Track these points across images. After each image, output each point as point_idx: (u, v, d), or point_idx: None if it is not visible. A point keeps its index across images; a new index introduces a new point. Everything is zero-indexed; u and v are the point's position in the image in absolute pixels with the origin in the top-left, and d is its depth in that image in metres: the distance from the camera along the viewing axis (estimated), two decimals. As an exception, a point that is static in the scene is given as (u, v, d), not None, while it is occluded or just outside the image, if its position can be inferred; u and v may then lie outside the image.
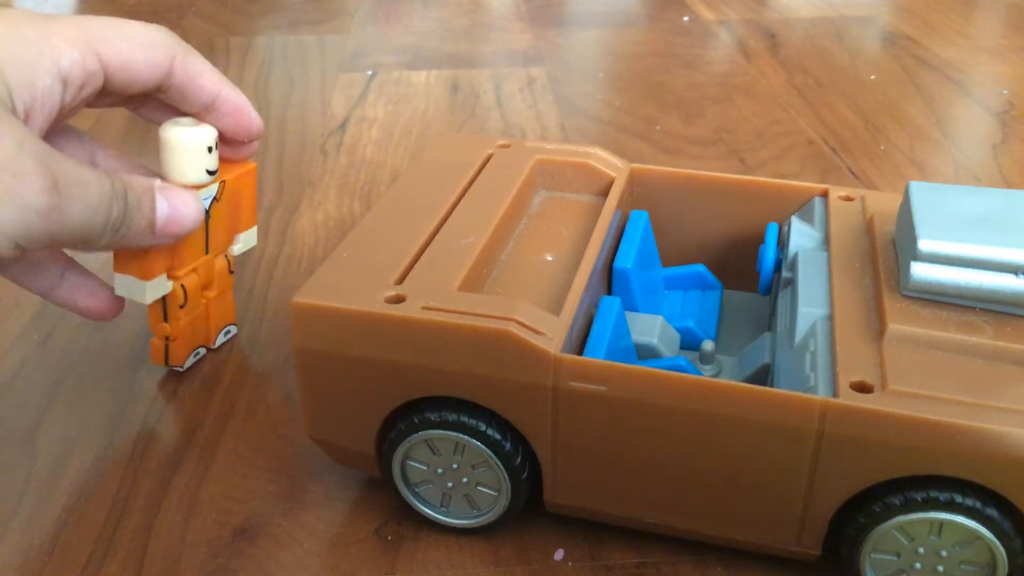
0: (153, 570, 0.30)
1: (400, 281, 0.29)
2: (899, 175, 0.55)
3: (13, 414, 0.36)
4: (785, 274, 0.33)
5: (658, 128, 0.62)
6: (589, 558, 0.30)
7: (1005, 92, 0.68)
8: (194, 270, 0.36)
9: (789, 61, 0.74)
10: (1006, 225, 0.28)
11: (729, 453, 0.27)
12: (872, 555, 0.27)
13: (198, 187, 0.34)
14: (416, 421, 0.29)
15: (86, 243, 0.30)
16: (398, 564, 0.30)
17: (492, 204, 0.34)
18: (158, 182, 0.32)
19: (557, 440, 0.28)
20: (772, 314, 0.34)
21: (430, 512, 0.31)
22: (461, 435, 0.29)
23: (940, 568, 0.27)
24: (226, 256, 0.38)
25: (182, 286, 0.36)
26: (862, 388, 0.26)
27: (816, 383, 0.27)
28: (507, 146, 0.39)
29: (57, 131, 0.33)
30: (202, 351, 0.39)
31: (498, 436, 0.28)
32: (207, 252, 0.37)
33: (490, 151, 0.38)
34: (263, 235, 0.49)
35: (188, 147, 0.34)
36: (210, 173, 0.35)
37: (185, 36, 0.83)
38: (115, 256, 0.34)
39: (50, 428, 0.36)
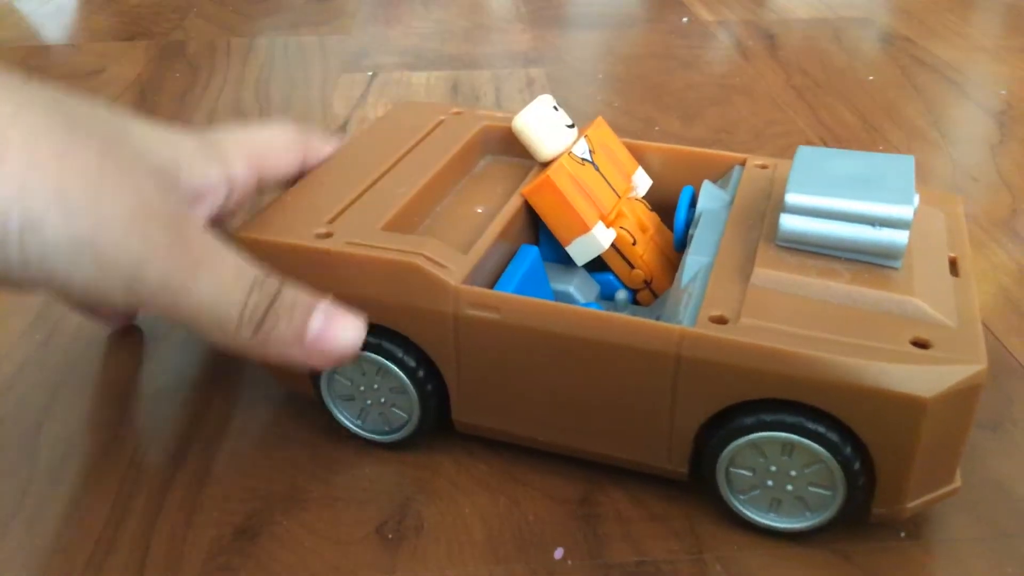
0: (154, 569, 0.30)
1: (332, 221, 0.33)
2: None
3: (14, 414, 0.37)
4: (690, 232, 0.35)
5: (657, 129, 0.62)
6: (589, 557, 0.30)
7: (1003, 92, 0.68)
8: (620, 214, 0.37)
9: (787, 62, 0.74)
10: (871, 183, 0.31)
11: (604, 376, 0.30)
12: (730, 469, 0.30)
13: (568, 148, 0.36)
14: None
15: (222, 331, 0.28)
16: (398, 563, 0.30)
17: (431, 162, 0.37)
18: (326, 302, 0.30)
19: (459, 363, 0.31)
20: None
21: (349, 424, 0.35)
22: (377, 356, 0.32)
23: (789, 487, 0.29)
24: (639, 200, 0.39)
25: (622, 228, 0.36)
26: (719, 320, 0.28)
27: (683, 317, 0.30)
28: (459, 113, 0.42)
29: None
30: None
31: (409, 359, 0.32)
32: (619, 197, 0.37)
33: (442, 117, 0.42)
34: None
35: (541, 119, 0.36)
36: (570, 127, 0.36)
37: (186, 37, 0.83)
38: (559, 229, 0.35)
39: (51, 428, 0.36)
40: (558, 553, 0.30)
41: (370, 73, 0.73)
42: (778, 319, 0.28)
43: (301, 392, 0.35)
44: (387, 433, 0.34)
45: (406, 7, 0.91)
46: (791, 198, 0.31)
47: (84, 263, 0.26)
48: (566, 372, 0.30)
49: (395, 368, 0.32)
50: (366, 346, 0.32)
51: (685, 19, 0.86)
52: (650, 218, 0.38)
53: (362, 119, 0.64)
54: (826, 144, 0.59)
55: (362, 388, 0.33)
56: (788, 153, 0.58)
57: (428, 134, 0.40)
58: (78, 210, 0.25)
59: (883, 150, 0.58)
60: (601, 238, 0.35)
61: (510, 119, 0.39)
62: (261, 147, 0.35)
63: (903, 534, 0.31)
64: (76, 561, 0.30)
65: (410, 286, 0.31)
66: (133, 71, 0.74)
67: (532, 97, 0.67)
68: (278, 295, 0.29)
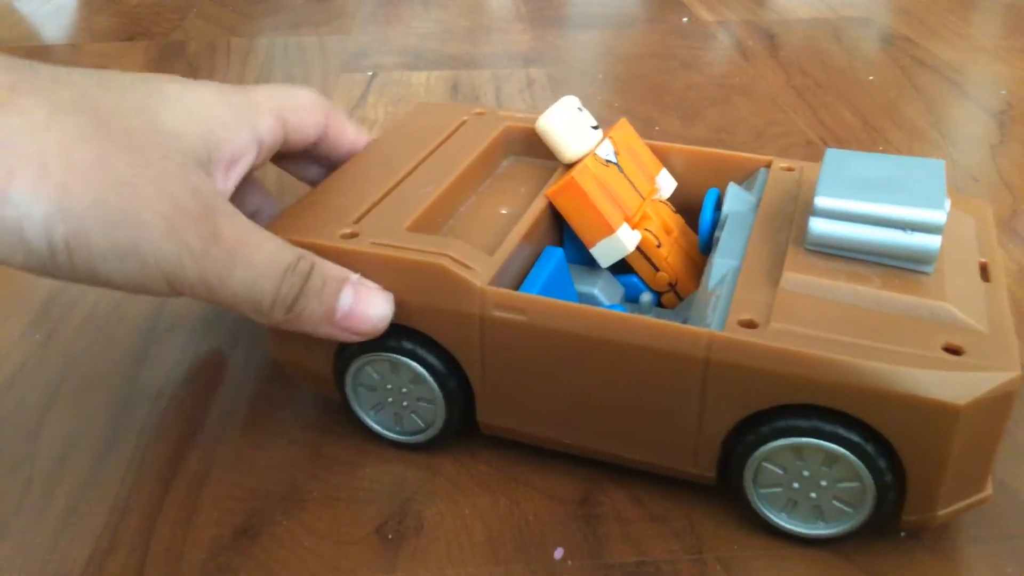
0: (154, 569, 0.30)
1: (358, 221, 0.33)
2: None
3: (15, 413, 0.37)
4: (716, 234, 0.35)
5: (657, 129, 0.62)
6: (589, 557, 0.30)
7: (1003, 93, 0.68)
8: (645, 216, 0.36)
9: (787, 62, 0.74)
10: (901, 186, 0.30)
11: (632, 379, 0.29)
12: (763, 465, 0.29)
13: (592, 150, 0.36)
14: (366, 345, 0.32)
15: (257, 313, 0.29)
16: (398, 563, 0.30)
17: (454, 162, 0.37)
18: (355, 277, 0.31)
19: (485, 365, 0.31)
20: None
21: (373, 425, 0.34)
22: (401, 357, 0.32)
23: (814, 494, 0.29)
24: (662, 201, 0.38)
25: (647, 230, 0.36)
26: (749, 325, 0.28)
27: (711, 321, 0.29)
28: (482, 114, 0.42)
29: (249, 187, 0.37)
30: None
31: (434, 360, 0.32)
32: (643, 199, 0.37)
33: (465, 118, 0.41)
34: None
35: (565, 120, 0.36)
36: (594, 128, 0.36)
37: (186, 37, 0.83)
38: (583, 231, 0.35)
39: (52, 427, 0.36)
40: (558, 553, 0.30)
41: (370, 73, 0.73)
42: (808, 323, 0.28)
43: (325, 393, 0.35)
44: (412, 434, 0.34)
45: (406, 7, 0.91)
46: (821, 201, 0.30)
47: (127, 267, 0.27)
48: (593, 375, 0.30)
49: (420, 369, 0.32)
50: (391, 347, 0.32)
51: (685, 19, 0.86)
52: (674, 220, 0.38)
53: (362, 119, 0.64)
54: (826, 144, 0.59)
55: (389, 387, 0.33)
56: (789, 153, 0.58)
57: (451, 135, 0.40)
58: (119, 221, 0.26)
59: (883, 151, 0.58)
60: (626, 240, 0.35)
61: (533, 120, 0.39)
62: (287, 105, 0.35)
63: (904, 534, 0.31)
64: (76, 561, 0.30)
65: (436, 287, 0.30)
66: (133, 71, 0.74)
67: (532, 98, 0.67)
68: (309, 276, 0.30)
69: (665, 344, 0.28)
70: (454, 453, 0.34)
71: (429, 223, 0.34)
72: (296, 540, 0.31)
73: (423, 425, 0.34)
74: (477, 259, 0.31)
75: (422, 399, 0.33)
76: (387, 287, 0.31)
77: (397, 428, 0.34)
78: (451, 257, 0.30)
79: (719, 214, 0.36)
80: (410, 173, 0.36)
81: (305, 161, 0.39)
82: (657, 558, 0.30)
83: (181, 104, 0.31)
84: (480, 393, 0.32)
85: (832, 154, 0.33)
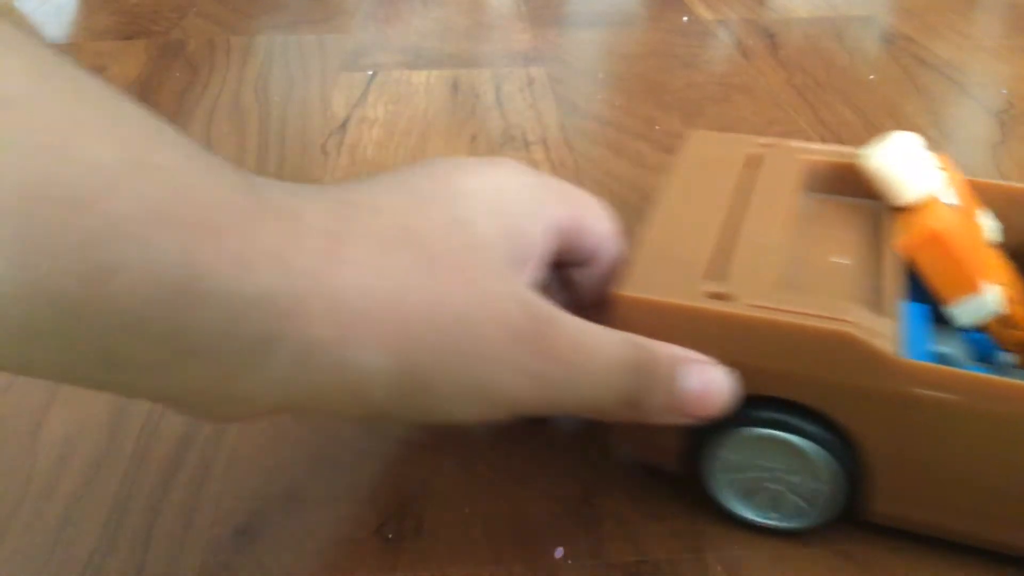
0: (154, 569, 0.30)
1: (712, 276, 0.29)
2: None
3: (14, 414, 0.37)
4: None
5: (658, 128, 0.62)
6: (589, 556, 0.30)
7: (1004, 92, 0.68)
8: (993, 266, 0.33)
9: (788, 61, 0.74)
10: None
11: None
12: None
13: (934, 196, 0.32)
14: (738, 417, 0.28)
15: (599, 415, 0.28)
16: (399, 563, 0.30)
17: (773, 204, 0.33)
18: (694, 355, 0.28)
19: (895, 448, 0.28)
20: None
21: (737, 509, 0.31)
22: (783, 434, 0.28)
23: None
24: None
25: (1002, 283, 0.33)
26: None
27: None
28: (770, 146, 0.38)
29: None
30: None
31: (825, 437, 0.28)
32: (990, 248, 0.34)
33: (753, 150, 0.37)
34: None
35: (904, 158, 0.32)
36: (936, 168, 0.32)
37: (185, 36, 0.83)
38: (943, 287, 0.31)
39: (51, 428, 0.36)
40: (558, 553, 0.30)
41: (370, 72, 0.73)
42: None
43: (668, 469, 0.32)
44: (787, 519, 0.30)
45: (406, 5, 0.91)
46: None
47: (472, 408, 0.25)
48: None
49: (809, 447, 0.29)
50: (769, 423, 0.29)
51: (685, 18, 0.86)
52: (1009, 266, 0.34)
53: (362, 118, 0.64)
54: (826, 143, 0.59)
55: (761, 468, 0.29)
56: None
57: (750, 171, 0.36)
58: (462, 366, 0.24)
59: (884, 149, 0.58)
60: (992, 299, 0.31)
61: (826, 152, 0.36)
62: (581, 203, 0.31)
63: (904, 534, 0.31)
64: (76, 561, 0.30)
65: (836, 358, 0.27)
66: (133, 70, 0.74)
67: (532, 97, 0.67)
68: (652, 370, 0.27)
69: None
70: (454, 453, 0.34)
71: (783, 276, 0.30)
72: (296, 540, 0.31)
73: (801, 509, 0.30)
74: (879, 324, 0.27)
75: (802, 480, 0.29)
76: (765, 354, 0.27)
77: (767, 512, 0.31)
78: (854, 323, 0.27)
79: None
80: (731, 220, 0.32)
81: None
82: (658, 558, 0.30)
83: (482, 202, 0.27)
84: (881, 478, 0.28)
85: None
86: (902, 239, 0.31)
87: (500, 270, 0.26)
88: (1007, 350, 0.33)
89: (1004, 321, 0.32)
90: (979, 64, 0.73)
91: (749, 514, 0.31)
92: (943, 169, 0.32)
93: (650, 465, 0.32)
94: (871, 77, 0.71)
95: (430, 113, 0.65)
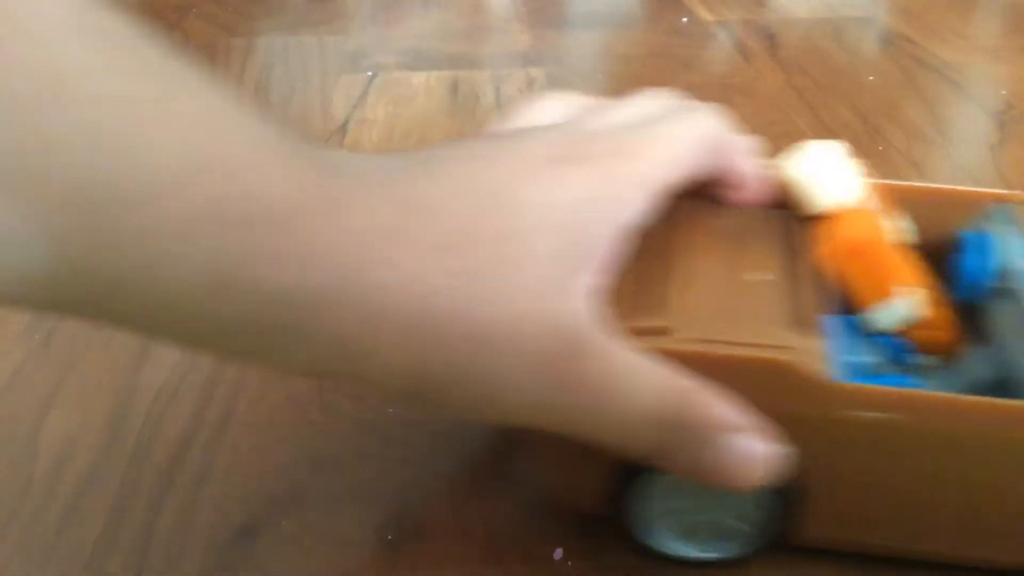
0: (154, 570, 0.30)
1: (645, 308, 0.28)
2: (897, 176, 0.55)
3: (14, 414, 0.37)
4: (999, 285, 0.31)
5: (657, 129, 0.62)
6: (589, 557, 0.30)
7: (1003, 93, 0.68)
8: (910, 269, 0.32)
9: (788, 62, 0.74)
10: None
11: (1015, 475, 0.26)
12: None
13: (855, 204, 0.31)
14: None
15: (628, 454, 0.26)
16: (399, 563, 0.30)
17: (692, 219, 0.32)
18: (738, 418, 0.25)
19: (826, 472, 0.27)
20: (981, 327, 0.32)
21: (665, 546, 0.30)
22: None
23: None
24: None
25: (920, 286, 0.32)
26: None
27: None
28: None
29: None
30: None
31: None
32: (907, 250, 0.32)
33: None
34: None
35: (822, 167, 0.32)
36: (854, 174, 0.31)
37: (186, 37, 0.83)
38: (863, 293, 0.31)
39: (51, 428, 0.36)
40: (558, 553, 0.30)
41: (370, 73, 0.73)
42: None
43: (592, 512, 0.30)
44: (714, 551, 0.30)
45: (405, 7, 0.91)
46: None
47: (485, 417, 0.27)
48: (965, 473, 0.26)
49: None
50: None
51: (685, 19, 0.86)
52: (927, 269, 0.33)
53: (361, 119, 0.64)
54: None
55: (692, 501, 0.28)
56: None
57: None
58: (478, 384, 0.24)
59: (883, 151, 0.58)
60: (914, 302, 0.30)
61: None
62: (682, 160, 0.30)
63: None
64: (76, 561, 0.30)
65: (773, 387, 0.26)
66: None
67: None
68: (689, 428, 0.25)
69: None
70: (454, 453, 0.34)
71: (712, 301, 0.28)
72: (296, 540, 0.31)
73: (731, 540, 0.29)
74: (811, 347, 0.26)
75: (734, 510, 0.28)
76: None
77: (698, 544, 0.29)
78: (792, 350, 0.26)
79: (986, 261, 0.32)
80: (661, 241, 0.30)
81: None
82: (657, 557, 0.30)
83: (546, 215, 0.25)
84: (816, 503, 0.28)
85: None
86: (821, 248, 0.30)
87: (543, 289, 0.25)
88: (928, 352, 0.32)
89: (925, 323, 0.31)
90: (978, 65, 0.73)
91: (691, 552, 0.30)
92: (860, 176, 0.32)
93: (573, 508, 0.31)
94: (871, 78, 0.71)
95: (430, 114, 0.65)
